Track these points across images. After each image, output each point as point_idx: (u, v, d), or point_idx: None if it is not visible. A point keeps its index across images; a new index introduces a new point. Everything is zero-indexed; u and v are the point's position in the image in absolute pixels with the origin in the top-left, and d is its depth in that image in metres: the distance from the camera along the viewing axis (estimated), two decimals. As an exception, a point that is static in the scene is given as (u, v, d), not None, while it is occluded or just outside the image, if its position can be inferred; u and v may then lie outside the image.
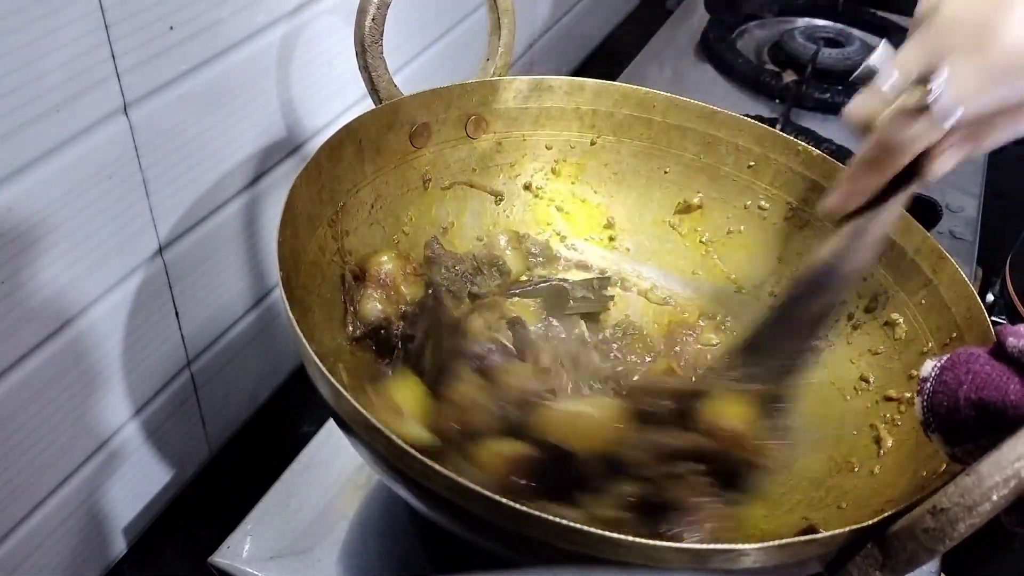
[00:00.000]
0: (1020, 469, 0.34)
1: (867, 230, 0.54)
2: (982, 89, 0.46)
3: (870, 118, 0.50)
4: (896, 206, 0.54)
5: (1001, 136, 0.51)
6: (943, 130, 0.47)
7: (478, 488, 0.41)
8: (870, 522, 0.40)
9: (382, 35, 0.62)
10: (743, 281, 0.72)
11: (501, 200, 0.73)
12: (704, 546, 0.41)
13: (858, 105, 0.51)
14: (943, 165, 0.51)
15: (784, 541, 0.40)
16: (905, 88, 0.48)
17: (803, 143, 0.68)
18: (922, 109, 0.47)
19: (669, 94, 0.71)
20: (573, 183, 0.74)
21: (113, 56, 0.51)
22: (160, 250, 0.61)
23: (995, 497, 0.34)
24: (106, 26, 0.50)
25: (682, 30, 1.28)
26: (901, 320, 0.61)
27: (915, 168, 0.51)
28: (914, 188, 0.53)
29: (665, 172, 0.73)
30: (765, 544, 0.40)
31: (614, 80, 0.71)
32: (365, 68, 0.63)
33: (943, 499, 0.36)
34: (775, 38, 1.26)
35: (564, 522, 0.40)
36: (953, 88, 0.46)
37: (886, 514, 0.40)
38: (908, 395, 0.58)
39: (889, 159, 0.51)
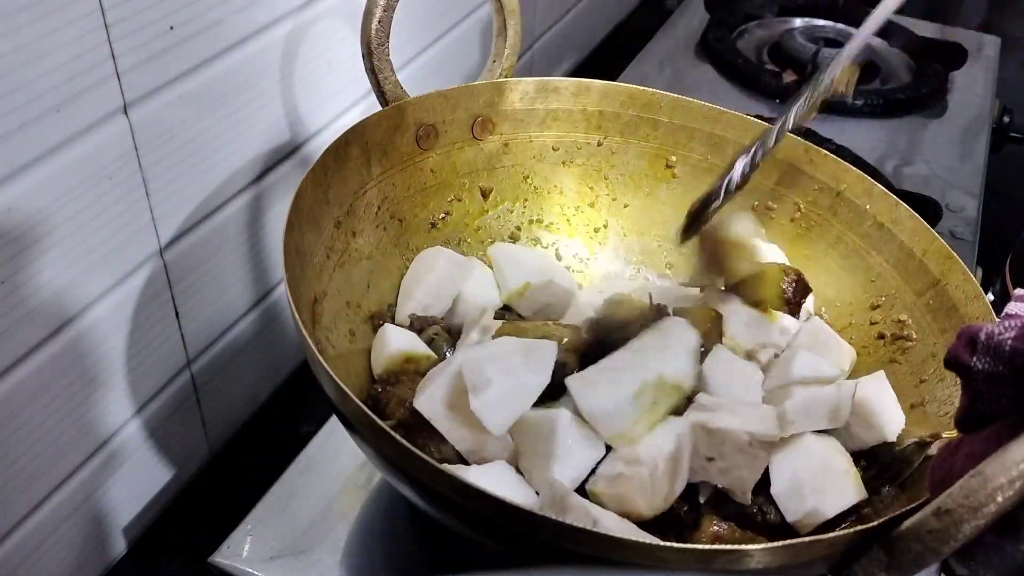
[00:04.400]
0: None
1: None
2: None
3: None
4: None
5: None
6: None
7: (483, 488, 0.41)
8: (875, 523, 0.40)
9: (388, 37, 0.62)
10: None
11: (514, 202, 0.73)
12: (708, 547, 0.41)
13: None
14: None
15: (789, 542, 0.40)
16: None
17: (809, 143, 0.68)
18: None
19: (676, 95, 0.71)
20: (580, 184, 0.74)
21: (113, 56, 0.51)
22: (160, 250, 0.61)
23: (1000, 498, 0.34)
24: (106, 26, 0.50)
25: (682, 30, 1.27)
26: (909, 320, 0.61)
27: None
28: None
29: (673, 173, 0.73)
30: (769, 545, 0.40)
31: (614, 80, 0.71)
32: (371, 70, 0.63)
33: (948, 500, 0.36)
34: (775, 38, 1.26)
35: (568, 523, 0.40)
36: None
37: (891, 515, 0.40)
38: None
39: None
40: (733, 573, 0.41)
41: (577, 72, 1.27)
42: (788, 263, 0.68)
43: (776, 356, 0.63)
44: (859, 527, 0.41)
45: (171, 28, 0.55)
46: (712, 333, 0.61)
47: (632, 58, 1.20)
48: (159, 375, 0.65)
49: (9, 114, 0.46)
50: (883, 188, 0.65)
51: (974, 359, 0.40)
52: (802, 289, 0.64)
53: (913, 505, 0.39)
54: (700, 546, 0.41)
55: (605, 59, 1.31)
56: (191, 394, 0.69)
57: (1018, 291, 0.41)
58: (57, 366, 0.55)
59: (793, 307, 0.64)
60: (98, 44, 0.50)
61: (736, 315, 0.63)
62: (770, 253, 0.68)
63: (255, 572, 0.59)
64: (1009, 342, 0.39)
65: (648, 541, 0.40)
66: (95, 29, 0.50)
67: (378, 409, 0.57)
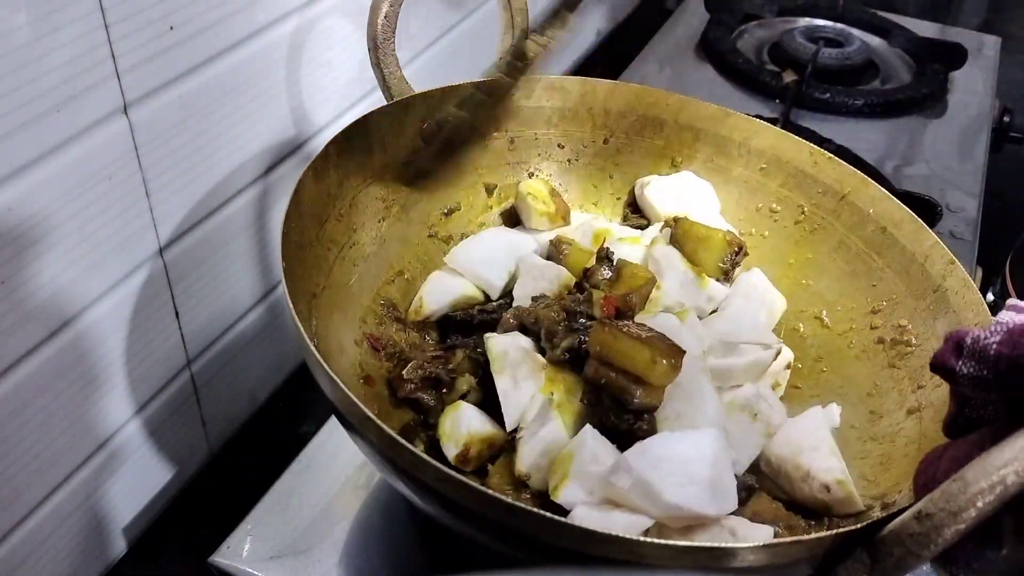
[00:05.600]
0: (1006, 476, 0.34)
1: None
2: None
3: None
4: None
5: None
6: None
7: (465, 479, 0.41)
8: (858, 526, 0.40)
9: (394, 32, 0.62)
10: None
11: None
12: (691, 544, 0.41)
13: None
14: None
15: (771, 542, 0.41)
16: None
17: (814, 146, 0.68)
18: None
19: (682, 95, 0.71)
20: (585, 182, 0.74)
21: (113, 56, 0.51)
22: (160, 250, 0.61)
23: (980, 503, 0.34)
24: (106, 26, 0.50)
25: (682, 30, 1.28)
26: (909, 325, 0.61)
27: None
28: None
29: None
30: (753, 544, 0.40)
31: (614, 80, 0.71)
32: (377, 65, 0.63)
33: (929, 504, 0.36)
34: (775, 38, 1.26)
35: (548, 515, 0.40)
36: None
37: (874, 518, 0.40)
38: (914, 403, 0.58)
39: None
40: (718, 571, 0.41)
41: (577, 72, 1.27)
42: (736, 232, 0.69)
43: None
44: (842, 529, 0.41)
45: (171, 28, 0.55)
46: (642, 291, 0.62)
47: (632, 58, 1.20)
48: (159, 375, 0.65)
49: (9, 114, 0.46)
50: (886, 192, 0.64)
51: (959, 363, 0.40)
52: (740, 260, 0.66)
53: (897, 509, 0.39)
54: (683, 542, 0.41)
55: (605, 59, 1.31)
56: (191, 394, 0.69)
57: (1011, 300, 0.41)
58: (57, 366, 0.55)
59: (727, 277, 0.66)
60: (98, 44, 0.50)
61: (673, 271, 0.64)
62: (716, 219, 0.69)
63: (255, 572, 0.59)
64: (994, 346, 0.38)
65: (630, 536, 0.40)
66: (95, 29, 0.50)
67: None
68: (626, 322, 0.55)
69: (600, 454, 0.51)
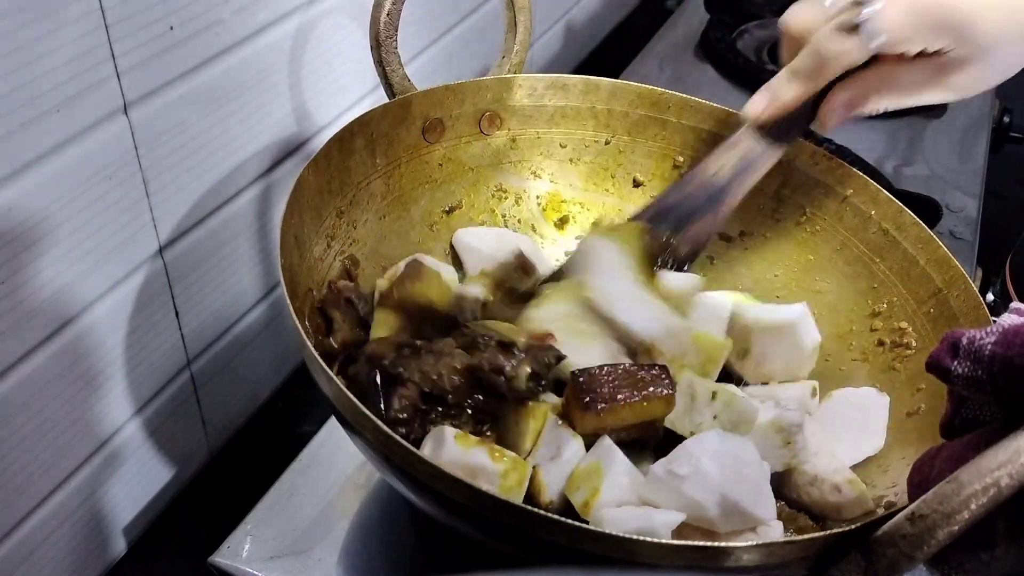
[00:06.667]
0: (999, 478, 0.34)
1: (755, 161, 0.62)
2: (907, 24, 0.52)
3: (806, 28, 0.56)
4: (780, 151, 0.63)
5: (911, 89, 0.56)
6: (868, 51, 0.54)
7: (457, 475, 0.41)
8: (853, 527, 0.40)
9: (397, 30, 0.62)
10: (750, 286, 0.71)
11: (520, 198, 0.73)
12: (684, 543, 0.41)
13: (797, 14, 0.57)
14: (839, 113, 0.59)
15: (765, 542, 0.41)
16: (844, 7, 0.53)
17: (816, 147, 0.68)
18: (854, 28, 0.53)
19: (684, 95, 0.71)
20: (586, 181, 0.74)
21: (113, 56, 0.51)
22: (160, 250, 0.61)
23: (974, 506, 0.34)
24: (106, 26, 0.50)
25: (682, 30, 1.27)
26: (909, 328, 0.61)
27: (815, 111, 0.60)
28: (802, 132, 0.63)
29: (680, 174, 0.73)
30: (747, 543, 0.40)
31: (616, 79, 0.71)
32: (379, 62, 0.63)
33: (923, 506, 0.36)
34: (775, 38, 1.25)
35: (543, 513, 0.40)
36: (883, 16, 0.52)
37: (869, 520, 0.40)
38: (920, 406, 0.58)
39: (816, 71, 0.57)
40: (713, 571, 0.41)
41: (578, 71, 1.26)
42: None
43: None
44: (836, 530, 0.41)
45: (171, 28, 0.55)
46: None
47: (632, 58, 1.20)
48: (159, 375, 0.65)
49: (9, 114, 0.46)
50: (888, 195, 0.64)
51: (955, 363, 0.39)
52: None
53: (892, 510, 0.39)
54: (676, 541, 0.41)
55: (605, 59, 1.31)
56: (191, 394, 0.69)
57: (1014, 304, 0.41)
58: (57, 366, 0.55)
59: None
60: (98, 44, 0.50)
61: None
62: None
63: (255, 572, 0.59)
64: (989, 347, 0.38)
65: (624, 535, 0.40)
66: (95, 29, 0.50)
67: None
68: (603, 393, 0.52)
69: (628, 465, 0.51)
